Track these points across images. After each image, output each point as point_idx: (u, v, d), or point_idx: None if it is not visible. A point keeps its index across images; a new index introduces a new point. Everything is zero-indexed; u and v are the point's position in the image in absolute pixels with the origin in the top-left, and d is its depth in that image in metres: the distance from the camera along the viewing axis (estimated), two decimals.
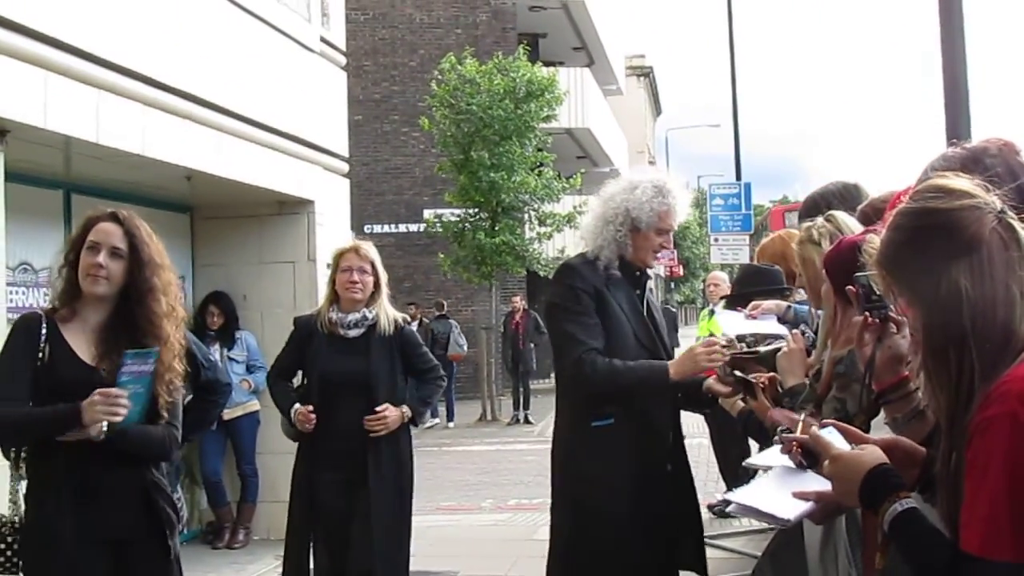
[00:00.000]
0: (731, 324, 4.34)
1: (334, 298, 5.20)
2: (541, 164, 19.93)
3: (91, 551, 3.36)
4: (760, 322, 4.24)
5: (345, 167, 9.32)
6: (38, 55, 5.27)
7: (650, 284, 4.33)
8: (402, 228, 25.09)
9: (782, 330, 4.02)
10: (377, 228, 24.82)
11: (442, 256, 20.14)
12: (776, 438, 2.77)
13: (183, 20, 6.65)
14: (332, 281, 5.21)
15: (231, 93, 7.15)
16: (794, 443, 2.43)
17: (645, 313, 4.15)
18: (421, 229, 23.53)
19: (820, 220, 3.52)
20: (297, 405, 5.13)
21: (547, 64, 23.52)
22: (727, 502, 2.72)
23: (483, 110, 18.92)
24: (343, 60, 9.37)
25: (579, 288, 4.00)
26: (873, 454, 2.04)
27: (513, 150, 18.92)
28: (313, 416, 5.09)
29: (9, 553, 3.40)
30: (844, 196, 4.28)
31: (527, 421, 18.84)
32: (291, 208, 8.42)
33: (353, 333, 5.16)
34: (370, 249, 5.24)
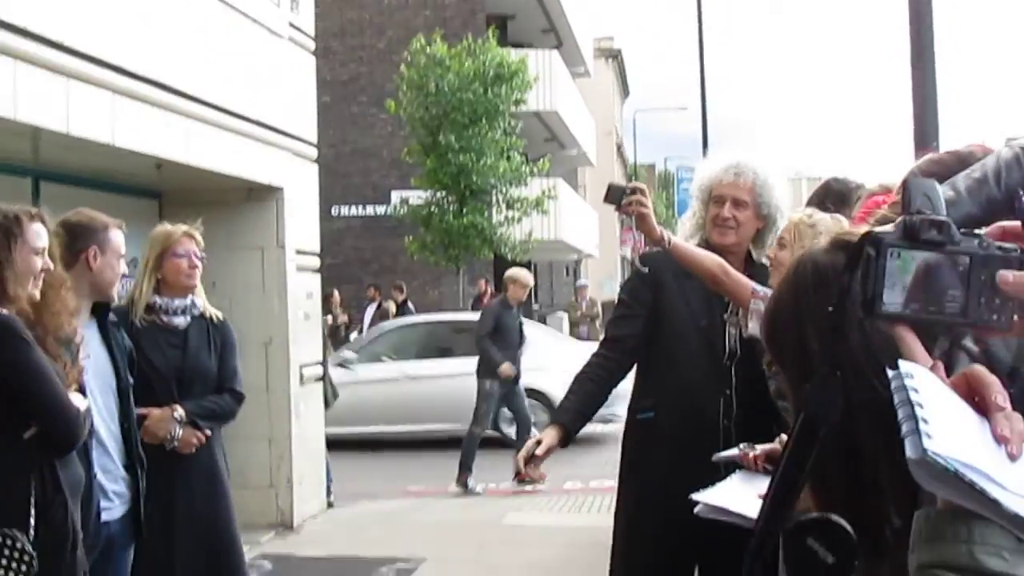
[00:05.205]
0: None
1: (154, 284, 4.46)
2: (511, 148, 19.95)
3: None
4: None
5: (314, 153, 9.33)
6: (7, 45, 5.24)
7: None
8: (369, 210, 25.05)
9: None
10: (344, 210, 24.79)
11: (408, 239, 20.13)
12: (738, 454, 2.86)
13: (151, 7, 6.64)
14: (154, 267, 4.45)
15: (200, 81, 7.15)
16: (756, 457, 2.55)
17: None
18: (388, 211, 23.49)
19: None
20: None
21: (516, 46, 23.53)
22: (694, 503, 2.78)
23: (452, 92, 18.91)
24: (312, 45, 9.36)
25: (641, 277, 4.04)
26: None
27: (482, 133, 18.94)
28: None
29: None
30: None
31: None
32: (260, 194, 8.42)
33: (179, 321, 4.47)
34: (199, 236, 4.61)
